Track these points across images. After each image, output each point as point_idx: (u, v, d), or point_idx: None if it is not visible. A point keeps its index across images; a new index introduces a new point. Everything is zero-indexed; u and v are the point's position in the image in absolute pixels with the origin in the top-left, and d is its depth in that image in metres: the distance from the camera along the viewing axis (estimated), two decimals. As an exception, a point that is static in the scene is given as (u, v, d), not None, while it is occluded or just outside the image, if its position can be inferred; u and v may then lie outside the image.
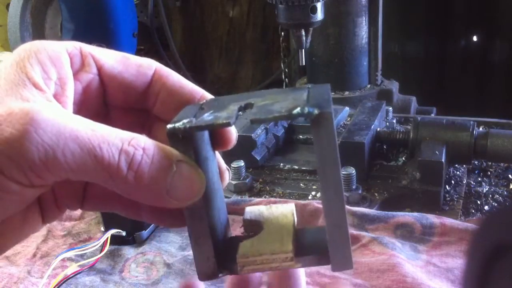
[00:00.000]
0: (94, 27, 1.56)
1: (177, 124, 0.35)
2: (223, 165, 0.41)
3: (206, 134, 0.39)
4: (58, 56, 0.38)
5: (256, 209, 0.43)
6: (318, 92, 0.38)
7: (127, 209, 0.40)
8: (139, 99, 0.41)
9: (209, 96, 0.41)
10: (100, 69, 0.40)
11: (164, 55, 1.92)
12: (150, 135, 0.40)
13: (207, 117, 0.36)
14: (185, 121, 0.35)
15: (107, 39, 1.57)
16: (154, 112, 0.41)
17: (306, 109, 0.34)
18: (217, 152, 0.41)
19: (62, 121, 0.33)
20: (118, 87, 0.41)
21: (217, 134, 0.39)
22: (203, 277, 0.39)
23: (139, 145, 0.34)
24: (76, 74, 0.39)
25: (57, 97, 0.37)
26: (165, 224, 0.41)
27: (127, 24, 1.64)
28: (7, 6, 1.57)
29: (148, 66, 0.41)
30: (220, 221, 0.41)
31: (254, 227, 0.42)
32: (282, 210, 0.43)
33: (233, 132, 0.40)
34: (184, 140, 0.36)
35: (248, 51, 2.07)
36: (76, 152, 0.32)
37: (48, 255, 0.73)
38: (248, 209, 0.43)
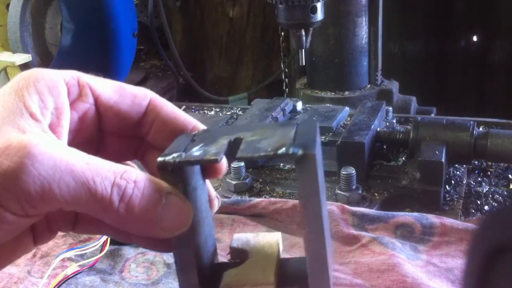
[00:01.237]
0: (94, 27, 1.56)
1: (167, 158, 0.36)
2: (213, 193, 0.42)
3: (196, 165, 0.40)
4: (55, 86, 0.38)
5: (244, 236, 0.44)
6: (305, 130, 0.39)
7: (118, 234, 0.41)
8: (133, 127, 0.42)
9: (201, 126, 0.42)
10: (96, 99, 0.41)
11: (164, 55, 1.92)
12: (143, 161, 0.43)
13: (196, 151, 0.37)
14: (175, 155, 0.37)
15: (107, 39, 1.57)
16: (148, 139, 0.43)
17: (291, 150, 0.36)
18: (207, 180, 0.42)
19: (58, 155, 0.34)
20: (114, 116, 0.42)
21: (207, 165, 0.40)
22: None
23: (131, 178, 0.35)
24: (72, 103, 0.40)
25: (52, 126, 0.38)
26: (155, 249, 0.42)
27: (127, 24, 1.64)
28: (7, 6, 1.57)
29: (143, 96, 0.42)
30: (206, 249, 0.42)
31: (240, 254, 0.42)
32: (268, 239, 0.44)
33: (222, 164, 0.41)
34: (174, 173, 0.37)
35: (248, 51, 2.07)
36: (71, 185, 0.33)
37: (48, 255, 0.73)
38: (236, 236, 0.44)
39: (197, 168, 0.40)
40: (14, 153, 0.33)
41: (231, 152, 0.38)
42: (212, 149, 0.38)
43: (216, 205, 0.44)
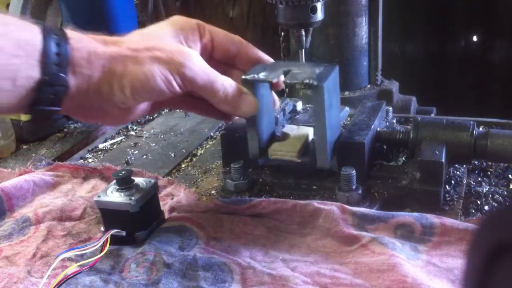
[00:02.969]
0: (94, 27, 1.56)
1: (246, 76, 0.72)
2: (276, 98, 0.80)
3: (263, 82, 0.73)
4: (192, 27, 0.73)
5: (290, 127, 0.83)
6: (327, 70, 0.73)
7: (202, 112, 0.80)
8: (230, 58, 0.77)
9: (271, 61, 0.77)
10: (212, 38, 0.75)
11: (164, 55, 1.91)
12: (232, 78, 0.72)
13: (263, 74, 0.72)
14: (251, 75, 0.72)
15: (107, 39, 1.57)
16: (237, 66, 0.77)
17: (310, 81, 0.69)
18: (273, 92, 0.78)
19: (202, 62, 0.68)
20: (221, 50, 0.76)
21: (270, 82, 0.73)
22: (252, 157, 0.79)
23: (228, 82, 0.70)
24: (199, 38, 0.73)
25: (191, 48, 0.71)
26: (222, 118, 0.80)
27: (127, 24, 1.64)
28: (7, 6, 1.57)
29: (239, 40, 0.77)
30: (267, 130, 0.78)
31: (286, 135, 0.81)
32: (304, 130, 0.82)
33: (279, 83, 0.75)
34: (249, 85, 0.72)
35: (248, 51, 2.07)
36: (204, 80, 0.67)
37: (48, 255, 0.73)
38: (287, 126, 0.84)
39: (265, 83, 0.73)
40: (183, 55, 0.66)
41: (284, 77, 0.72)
42: (272, 75, 0.72)
43: (277, 104, 0.81)
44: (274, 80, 0.71)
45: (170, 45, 0.68)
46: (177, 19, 0.72)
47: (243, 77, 0.72)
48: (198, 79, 0.66)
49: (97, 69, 0.63)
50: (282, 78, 0.71)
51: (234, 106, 0.71)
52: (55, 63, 0.60)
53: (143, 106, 0.71)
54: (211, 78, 0.68)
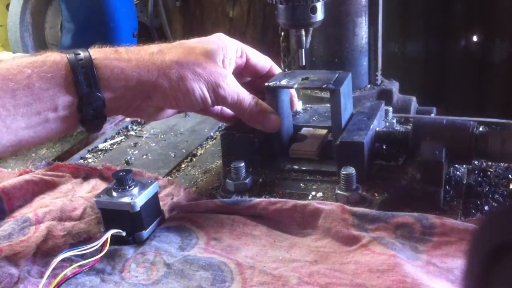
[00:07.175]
0: (94, 27, 1.56)
1: (269, 83, 0.84)
2: (295, 100, 0.93)
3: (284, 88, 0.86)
4: (232, 48, 0.82)
5: (307, 129, 0.92)
6: (342, 76, 0.84)
7: (224, 120, 0.92)
8: (259, 78, 0.89)
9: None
10: (247, 60, 0.86)
11: (164, 55, 1.91)
12: (258, 95, 0.84)
13: (284, 81, 0.84)
14: (273, 82, 0.84)
15: (107, 39, 1.57)
16: (262, 81, 0.87)
17: (329, 86, 0.81)
18: (292, 96, 0.92)
19: (235, 84, 0.79)
20: (252, 70, 0.88)
21: (289, 88, 0.86)
22: (275, 156, 0.88)
23: (255, 101, 0.82)
24: (236, 58, 0.84)
25: (227, 68, 0.81)
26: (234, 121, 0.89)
27: (127, 24, 1.64)
28: (7, 6, 1.57)
29: (268, 62, 0.89)
30: (287, 131, 0.90)
31: (304, 136, 0.90)
32: (319, 131, 0.91)
33: (293, 92, 0.91)
34: (272, 91, 0.84)
35: (248, 51, 2.07)
36: (235, 98, 0.79)
37: (48, 255, 0.73)
38: (304, 129, 0.92)
39: (286, 89, 0.86)
40: (220, 77, 0.77)
41: (302, 84, 0.83)
42: (292, 81, 0.84)
43: (295, 106, 0.94)
44: (295, 86, 0.83)
45: (210, 65, 0.77)
46: (222, 38, 0.83)
47: (266, 84, 0.84)
48: (229, 98, 0.79)
49: (132, 78, 0.73)
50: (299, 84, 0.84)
51: (259, 123, 0.83)
52: (85, 85, 0.69)
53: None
54: (240, 98, 0.79)
